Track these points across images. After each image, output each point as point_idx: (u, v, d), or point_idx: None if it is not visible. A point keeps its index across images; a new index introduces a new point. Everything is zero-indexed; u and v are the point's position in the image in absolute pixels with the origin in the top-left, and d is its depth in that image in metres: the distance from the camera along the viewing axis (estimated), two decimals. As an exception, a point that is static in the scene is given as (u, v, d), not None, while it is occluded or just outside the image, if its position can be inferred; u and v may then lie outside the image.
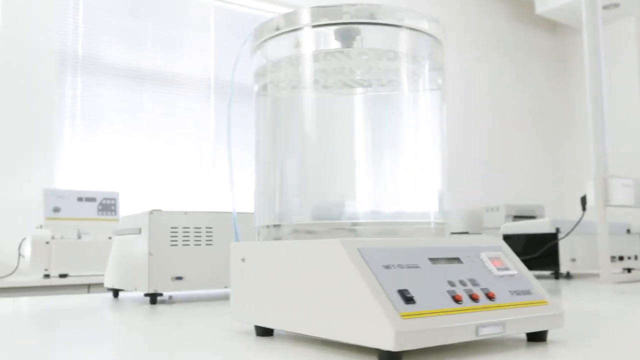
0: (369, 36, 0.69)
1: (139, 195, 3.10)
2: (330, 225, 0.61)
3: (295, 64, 0.68)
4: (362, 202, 0.62)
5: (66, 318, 0.90)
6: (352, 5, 0.69)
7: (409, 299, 0.52)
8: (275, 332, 0.68)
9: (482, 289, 0.58)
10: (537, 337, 0.62)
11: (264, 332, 0.67)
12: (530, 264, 1.87)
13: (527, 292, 0.62)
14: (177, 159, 3.31)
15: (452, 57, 4.56)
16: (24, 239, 2.49)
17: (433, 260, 0.58)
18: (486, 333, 0.55)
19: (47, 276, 2.41)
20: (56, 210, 2.47)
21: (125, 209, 2.76)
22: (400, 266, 0.56)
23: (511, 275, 0.62)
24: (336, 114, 0.66)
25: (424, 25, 0.70)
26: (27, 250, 2.39)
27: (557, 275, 1.80)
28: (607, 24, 4.71)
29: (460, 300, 0.55)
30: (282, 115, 0.69)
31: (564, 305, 1.00)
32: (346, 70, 0.67)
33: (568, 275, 1.93)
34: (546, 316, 0.61)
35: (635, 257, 2.01)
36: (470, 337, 0.54)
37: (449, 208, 0.68)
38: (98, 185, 2.98)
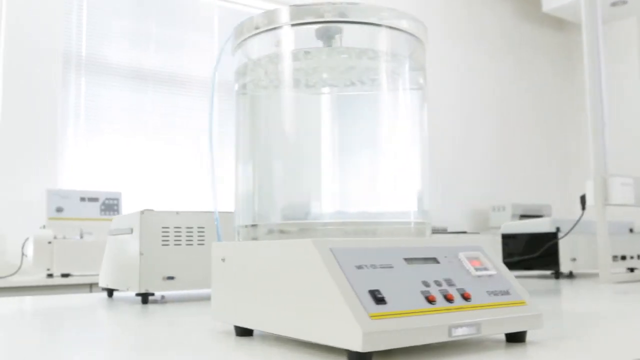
0: (348, 35, 0.69)
1: (142, 195, 3.11)
2: (305, 225, 0.60)
3: (273, 62, 0.68)
4: (337, 201, 0.62)
5: (57, 317, 0.90)
6: (332, 3, 0.68)
7: (379, 300, 0.52)
8: (255, 333, 0.68)
9: (458, 289, 0.58)
10: (516, 338, 0.61)
11: (243, 332, 0.67)
12: (531, 264, 1.86)
13: (506, 293, 0.61)
14: (179, 159, 3.32)
15: (457, 55, 4.54)
16: (27, 238, 2.51)
17: (408, 260, 0.58)
18: (460, 334, 0.54)
19: (50, 276, 2.43)
20: (59, 210, 2.48)
21: (127, 209, 2.78)
22: (374, 266, 0.55)
23: (490, 276, 0.62)
24: (312, 113, 0.65)
25: (405, 24, 0.69)
26: (29, 250, 2.40)
27: (557, 274, 1.79)
28: (614, 22, 4.67)
29: (434, 301, 0.55)
30: (259, 114, 0.69)
31: (561, 306, 0.99)
32: (324, 69, 0.67)
33: (571, 275, 1.92)
34: (524, 317, 0.60)
35: (638, 257, 1.99)
36: (443, 338, 0.53)
37: (429, 208, 0.67)
38: (101, 185, 3.00)
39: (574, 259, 1.82)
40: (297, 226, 0.60)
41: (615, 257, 1.95)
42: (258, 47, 0.70)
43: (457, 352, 0.56)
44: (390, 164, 0.64)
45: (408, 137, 0.66)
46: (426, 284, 0.56)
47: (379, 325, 0.50)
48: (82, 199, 2.53)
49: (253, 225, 0.65)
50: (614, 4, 4.44)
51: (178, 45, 3.42)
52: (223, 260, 0.68)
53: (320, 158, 0.61)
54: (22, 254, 2.54)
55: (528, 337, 0.64)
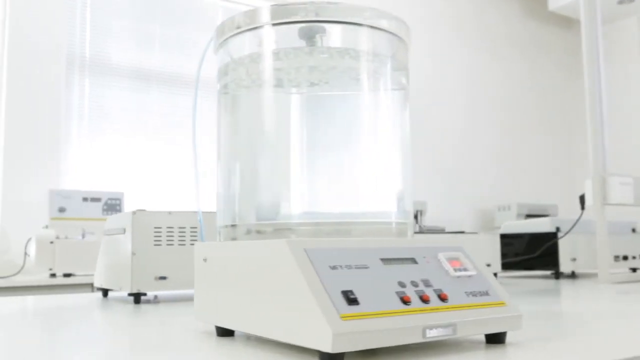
0: (330, 34, 0.68)
1: (145, 196, 3.13)
2: (282, 225, 0.60)
3: (254, 62, 0.68)
4: (314, 202, 0.61)
5: (45, 317, 0.90)
6: (313, 3, 0.68)
7: (352, 300, 0.51)
8: (236, 333, 0.68)
9: (435, 290, 0.57)
10: (495, 339, 0.61)
11: (224, 332, 0.67)
12: (531, 264, 1.85)
13: (485, 294, 0.60)
14: (182, 160, 3.33)
15: (462, 54, 4.53)
16: (29, 238, 2.52)
17: (385, 260, 0.57)
18: (434, 335, 0.54)
19: (53, 275, 2.44)
20: (61, 210, 2.49)
21: (130, 209, 2.78)
22: (349, 267, 0.55)
23: (469, 276, 0.61)
24: (291, 113, 0.65)
25: (387, 24, 0.69)
26: (32, 250, 2.42)
27: (557, 275, 1.77)
28: (620, 21, 4.63)
29: (409, 302, 0.54)
30: (239, 114, 0.69)
31: (552, 306, 0.98)
32: (305, 69, 0.66)
33: (573, 275, 1.90)
34: (503, 318, 0.59)
35: (640, 257, 1.97)
36: (416, 339, 0.53)
37: (410, 208, 0.67)
38: (105, 185, 3.01)
39: (574, 259, 1.81)
40: (273, 226, 0.60)
41: (617, 257, 1.94)
42: (239, 46, 0.70)
43: (435, 353, 0.56)
44: (369, 164, 0.63)
45: (388, 137, 0.66)
46: (402, 284, 0.56)
47: (350, 326, 0.49)
48: (85, 199, 2.55)
49: (233, 226, 0.65)
50: (620, 2, 4.41)
51: (182, 46, 3.43)
52: (205, 260, 0.68)
53: (298, 158, 0.61)
54: (25, 254, 2.55)
55: (509, 338, 0.63)
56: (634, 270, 2.00)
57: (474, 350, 0.58)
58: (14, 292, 2.31)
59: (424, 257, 0.60)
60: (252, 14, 0.68)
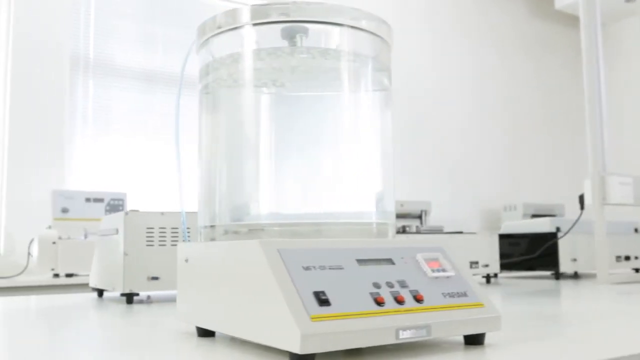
0: (311, 35, 0.68)
1: (149, 196, 3.13)
2: (258, 226, 0.60)
3: (234, 62, 0.68)
4: (290, 202, 0.61)
5: (36, 317, 0.91)
6: (295, 3, 0.68)
7: (323, 301, 0.51)
8: (217, 334, 0.68)
9: (411, 291, 0.57)
10: (474, 340, 0.60)
11: (205, 333, 0.67)
12: (531, 264, 1.83)
13: (463, 294, 0.60)
14: (185, 160, 3.33)
15: (468, 53, 4.51)
16: (32, 239, 2.54)
17: (360, 261, 0.57)
18: (407, 336, 0.53)
19: (56, 275, 2.45)
20: (64, 210, 2.51)
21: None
22: (322, 267, 0.54)
23: (447, 277, 0.61)
24: (269, 113, 0.65)
25: (368, 25, 0.69)
26: (35, 250, 2.43)
27: (557, 275, 1.76)
28: (627, 18, 4.59)
29: (383, 303, 0.54)
30: (218, 114, 0.69)
31: (543, 307, 0.98)
32: (285, 69, 0.66)
33: (576, 275, 1.89)
34: (481, 319, 0.59)
35: (643, 257, 1.95)
36: (389, 340, 0.52)
37: (392, 209, 0.66)
38: (109, 186, 3.02)
39: (574, 260, 1.79)
40: (249, 227, 0.60)
41: (619, 258, 1.92)
42: (220, 46, 0.70)
43: (411, 354, 0.56)
44: (346, 164, 0.63)
45: (366, 138, 0.65)
46: (377, 285, 0.55)
47: (320, 327, 0.49)
48: (88, 200, 2.56)
49: (212, 226, 0.65)
50: (627, 0, 4.37)
51: (185, 47, 3.44)
52: (186, 261, 0.68)
53: (276, 158, 0.61)
54: (29, 254, 2.57)
55: (490, 340, 0.63)
56: (637, 270, 1.98)
57: (452, 352, 0.58)
58: (18, 292, 2.33)
59: (402, 258, 0.60)
60: (233, 13, 0.68)
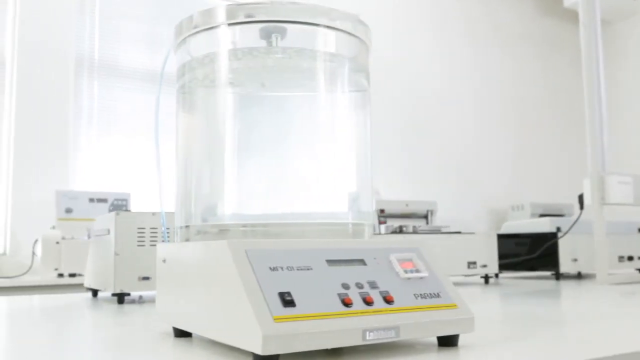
0: (288, 35, 0.68)
1: (152, 197, 3.15)
2: (228, 226, 0.60)
3: (211, 62, 0.68)
4: (261, 203, 0.61)
5: (26, 317, 0.91)
6: (273, 3, 0.67)
7: (288, 302, 0.51)
8: (194, 334, 0.68)
9: (381, 292, 0.56)
10: (447, 342, 0.60)
11: (182, 333, 0.67)
12: (532, 264, 1.82)
13: (436, 295, 0.59)
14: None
15: (476, 52, 4.48)
16: (37, 239, 2.56)
17: (330, 262, 0.57)
18: (374, 338, 0.53)
19: (60, 275, 2.47)
20: (68, 211, 2.52)
21: (137, 209, 2.80)
22: (290, 268, 0.54)
23: (421, 278, 0.60)
24: (242, 113, 0.65)
25: (345, 25, 0.68)
26: (39, 250, 2.45)
27: (557, 275, 1.74)
28: (635, 16, 4.54)
29: (350, 304, 0.53)
30: (193, 113, 0.69)
31: (537, 308, 0.97)
32: (260, 69, 0.66)
33: (580, 276, 1.87)
34: (454, 320, 0.58)
35: (646, 257, 1.93)
36: (355, 341, 0.52)
37: (368, 209, 0.66)
38: (113, 186, 3.04)
39: (575, 260, 1.77)
40: (219, 227, 0.60)
41: (621, 258, 1.90)
42: (197, 45, 0.70)
43: (383, 355, 0.55)
44: (320, 164, 0.63)
45: (341, 138, 0.65)
46: (345, 286, 0.55)
47: (283, 328, 0.49)
48: (91, 200, 2.57)
49: (187, 226, 0.65)
50: (636, -2, 4.33)
51: (190, 47, 3.45)
52: (164, 261, 0.68)
53: (246, 158, 0.61)
54: (33, 254, 2.59)
55: (465, 341, 0.62)
56: (640, 271, 1.95)
57: (425, 353, 0.57)
58: (22, 291, 2.34)
59: (375, 259, 0.60)
60: (209, 13, 0.68)
